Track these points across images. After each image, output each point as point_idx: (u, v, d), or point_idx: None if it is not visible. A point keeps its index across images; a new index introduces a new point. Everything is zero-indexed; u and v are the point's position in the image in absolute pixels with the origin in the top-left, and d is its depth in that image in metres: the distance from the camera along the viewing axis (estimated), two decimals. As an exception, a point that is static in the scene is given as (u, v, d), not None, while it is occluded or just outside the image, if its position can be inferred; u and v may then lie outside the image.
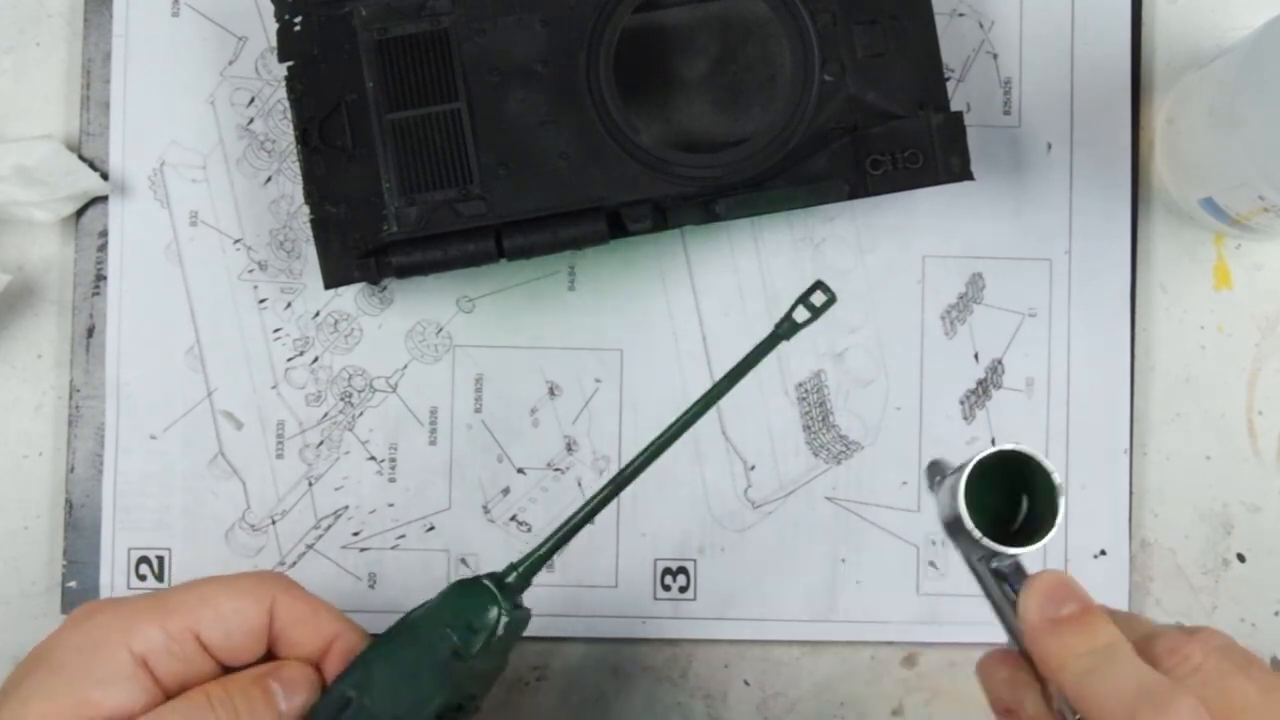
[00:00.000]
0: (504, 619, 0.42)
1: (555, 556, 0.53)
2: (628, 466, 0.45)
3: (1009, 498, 0.42)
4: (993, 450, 0.41)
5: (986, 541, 0.40)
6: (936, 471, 0.43)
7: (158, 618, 0.40)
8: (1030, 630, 0.39)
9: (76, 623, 0.41)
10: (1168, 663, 0.37)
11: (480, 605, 0.42)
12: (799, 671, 0.53)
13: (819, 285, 0.46)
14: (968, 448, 0.53)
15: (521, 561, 0.44)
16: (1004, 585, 0.41)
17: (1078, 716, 0.37)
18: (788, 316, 0.46)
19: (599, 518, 0.53)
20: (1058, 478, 0.40)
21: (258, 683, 0.41)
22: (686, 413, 0.45)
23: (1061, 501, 0.40)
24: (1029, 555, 0.40)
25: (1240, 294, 0.54)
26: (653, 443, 0.45)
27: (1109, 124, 0.54)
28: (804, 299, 0.46)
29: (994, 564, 0.41)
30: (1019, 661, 0.41)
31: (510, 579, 0.43)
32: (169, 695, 0.40)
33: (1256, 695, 0.37)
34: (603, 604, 0.53)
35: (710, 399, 0.46)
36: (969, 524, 0.40)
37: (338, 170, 0.50)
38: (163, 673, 0.40)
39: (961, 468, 0.41)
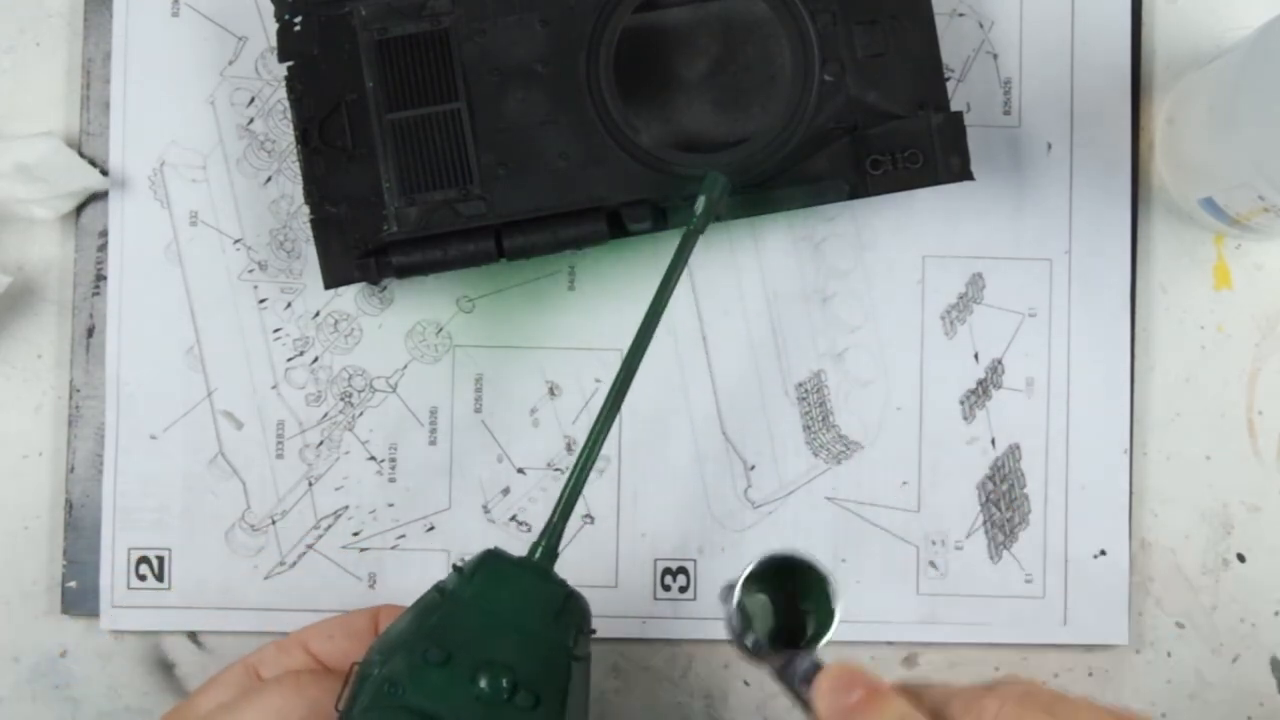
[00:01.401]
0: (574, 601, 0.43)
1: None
2: (606, 402, 0.45)
3: (797, 603, 0.43)
4: (760, 560, 0.42)
5: (764, 649, 0.42)
6: (726, 595, 0.44)
7: None
8: None
9: None
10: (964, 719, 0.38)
11: (553, 595, 0.43)
12: (799, 671, 0.53)
13: (711, 174, 0.47)
14: (967, 448, 0.53)
15: (541, 538, 0.44)
16: (808, 690, 0.41)
17: None
18: (694, 215, 0.46)
19: (598, 518, 0.53)
20: (827, 575, 0.42)
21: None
22: (642, 327, 0.46)
23: (838, 600, 0.42)
24: (824, 654, 0.41)
25: (1240, 294, 0.54)
26: (623, 367, 0.45)
27: (1109, 124, 0.54)
28: (704, 193, 0.46)
29: (796, 671, 0.41)
30: None
31: (538, 556, 0.44)
32: None
33: None
34: (603, 604, 0.53)
35: (656, 310, 0.46)
36: (744, 634, 0.42)
37: (338, 170, 0.50)
38: None
39: (733, 584, 0.42)
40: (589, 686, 0.44)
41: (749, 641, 0.42)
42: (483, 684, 0.40)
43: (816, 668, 0.41)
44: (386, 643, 0.42)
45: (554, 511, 0.44)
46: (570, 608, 0.43)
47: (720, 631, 0.53)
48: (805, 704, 0.41)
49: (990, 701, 0.38)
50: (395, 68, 0.49)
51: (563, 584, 0.43)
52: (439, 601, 0.42)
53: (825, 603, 0.42)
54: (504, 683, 0.40)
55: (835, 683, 0.40)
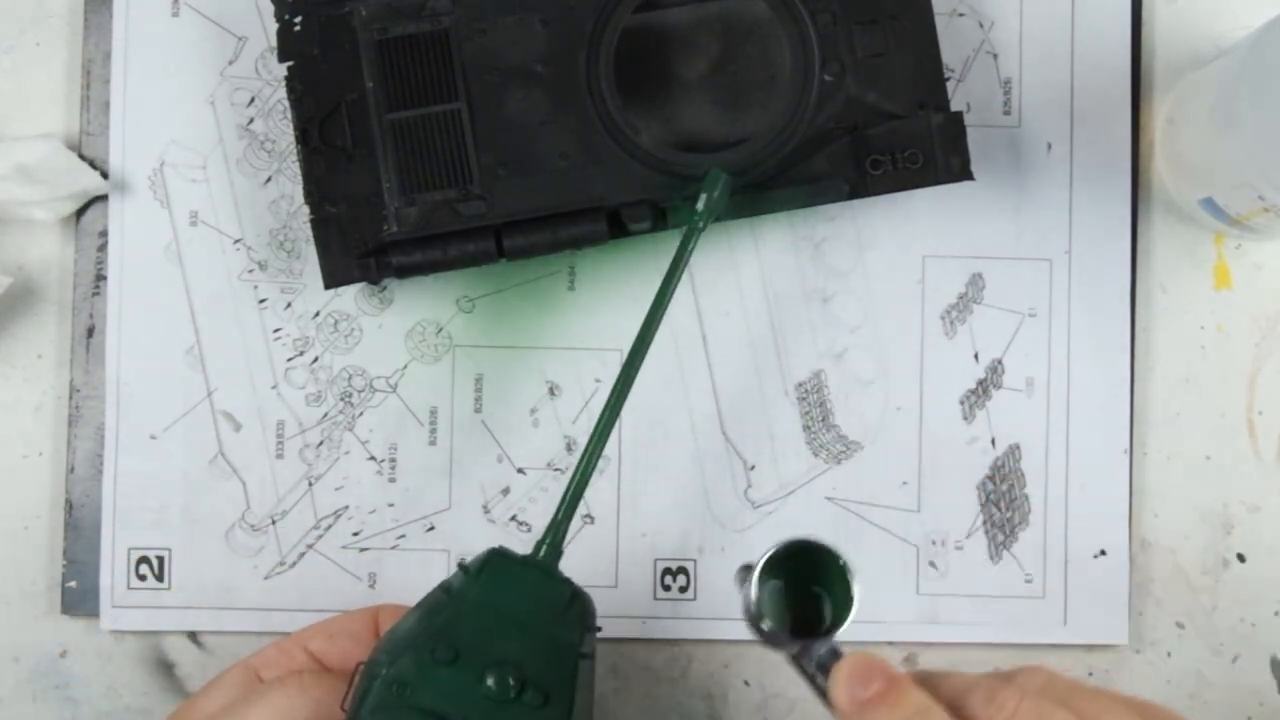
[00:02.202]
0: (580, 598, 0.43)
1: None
2: (612, 395, 0.46)
3: (811, 589, 0.42)
4: (780, 545, 0.42)
5: (781, 635, 0.41)
6: (743, 578, 0.43)
7: None
8: (844, 716, 0.39)
9: None
10: (984, 714, 0.38)
11: (560, 594, 0.43)
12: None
13: (713, 172, 0.47)
14: (967, 448, 0.53)
15: (546, 535, 0.44)
16: (824, 677, 0.41)
17: None
18: (696, 212, 0.47)
19: (598, 518, 0.53)
20: (845, 561, 0.41)
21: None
22: (646, 322, 0.46)
23: (856, 585, 0.41)
24: (841, 641, 0.41)
25: (1240, 294, 0.54)
26: (628, 361, 0.46)
27: (1109, 124, 0.54)
28: (705, 190, 0.47)
29: (808, 655, 0.41)
30: None
31: (542, 554, 0.44)
32: None
33: None
34: (603, 604, 0.53)
35: (658, 310, 0.47)
36: (761, 619, 0.41)
37: (338, 170, 0.50)
38: None
39: (752, 567, 0.42)
40: (594, 684, 0.44)
41: (765, 626, 0.41)
42: (490, 683, 0.40)
43: (834, 655, 0.40)
44: (393, 642, 0.42)
45: (558, 509, 0.44)
46: (576, 605, 0.43)
47: (720, 631, 0.53)
48: (822, 692, 0.41)
49: (1009, 695, 0.38)
50: (395, 68, 0.49)
51: (568, 582, 0.43)
52: (445, 601, 0.42)
53: (844, 589, 0.42)
54: (512, 681, 0.40)
55: (853, 672, 0.39)
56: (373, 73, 0.49)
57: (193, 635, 0.53)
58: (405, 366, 0.53)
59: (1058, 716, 0.37)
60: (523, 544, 0.54)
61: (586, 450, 0.45)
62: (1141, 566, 0.54)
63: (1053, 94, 0.54)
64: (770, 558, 0.42)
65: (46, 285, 0.54)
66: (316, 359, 0.53)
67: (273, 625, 0.52)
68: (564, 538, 0.44)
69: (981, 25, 0.54)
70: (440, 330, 0.53)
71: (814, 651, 0.41)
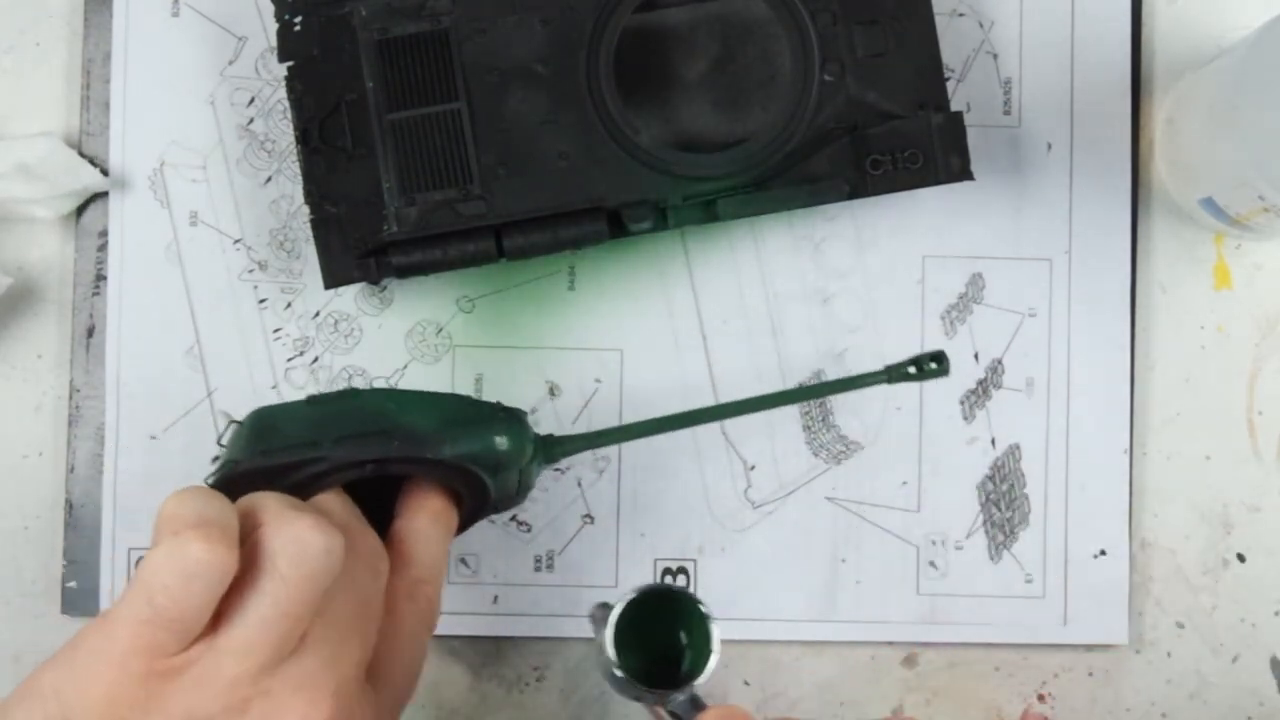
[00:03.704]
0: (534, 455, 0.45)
1: (556, 556, 0.53)
2: (716, 410, 0.49)
3: (673, 635, 0.42)
4: (638, 590, 0.41)
5: (636, 685, 0.40)
6: (601, 617, 0.43)
7: None
8: None
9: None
10: None
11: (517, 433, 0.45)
12: (799, 671, 0.53)
13: (939, 355, 0.49)
14: (967, 448, 0.53)
15: (568, 438, 0.47)
16: None
17: None
18: (901, 365, 0.49)
19: (598, 518, 0.53)
20: (705, 608, 0.41)
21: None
22: (782, 395, 0.50)
23: (714, 631, 0.41)
24: (701, 688, 0.40)
25: (1240, 294, 0.54)
26: (745, 404, 0.49)
27: (1109, 124, 0.54)
28: (921, 359, 0.49)
29: (669, 706, 0.41)
30: None
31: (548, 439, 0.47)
32: None
33: None
34: (603, 604, 0.53)
35: (797, 397, 0.51)
36: (616, 669, 0.40)
37: (338, 170, 0.50)
38: None
39: (608, 611, 0.41)
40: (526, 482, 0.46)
41: (619, 674, 0.41)
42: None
43: (695, 706, 0.40)
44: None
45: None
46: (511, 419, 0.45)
47: (720, 632, 0.53)
48: None
49: None
50: (395, 68, 0.49)
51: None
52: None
53: (703, 638, 0.41)
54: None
55: None
56: (373, 73, 0.49)
57: (193, 635, 0.53)
58: (405, 367, 0.53)
59: None
60: (523, 543, 0.54)
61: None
62: (1141, 566, 0.54)
63: (1053, 94, 0.54)
64: (628, 604, 0.41)
65: (46, 285, 0.54)
66: (316, 359, 0.53)
67: (273, 625, 0.52)
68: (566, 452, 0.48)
69: (981, 25, 0.54)
70: (440, 330, 0.53)
71: (673, 701, 0.40)
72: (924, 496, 0.53)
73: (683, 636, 0.42)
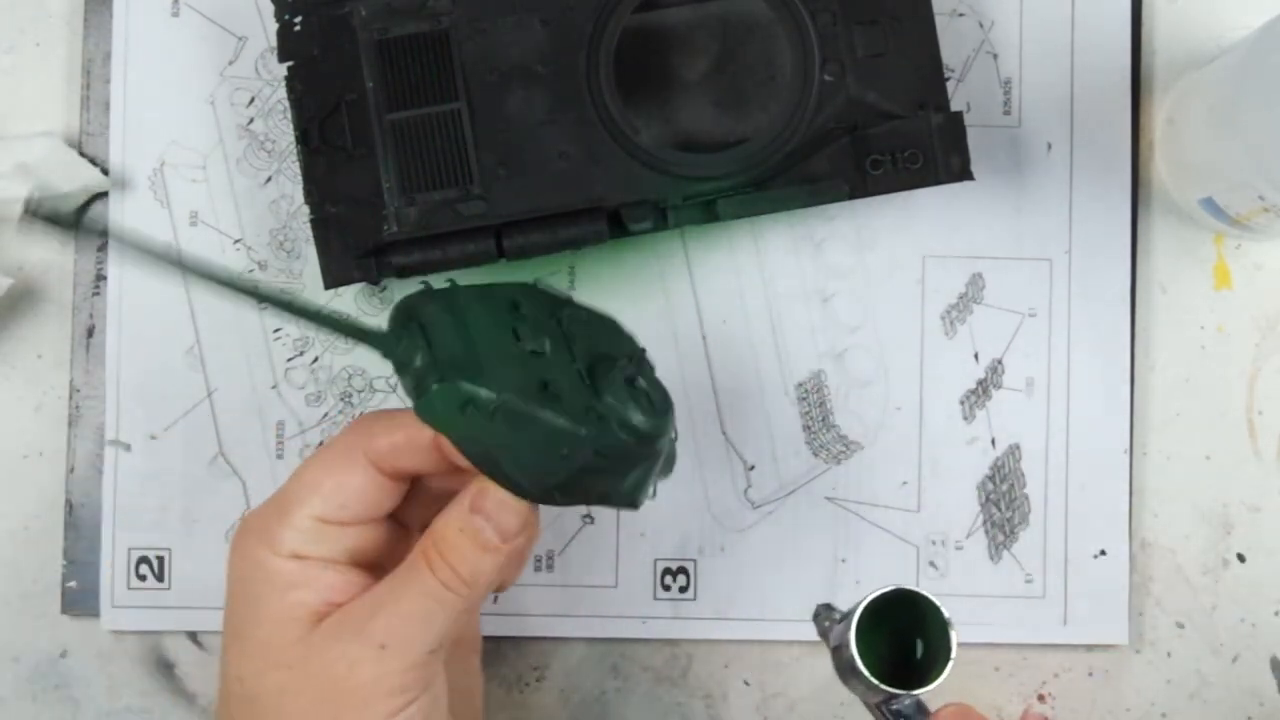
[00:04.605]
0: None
1: (556, 556, 0.53)
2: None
3: (902, 636, 0.42)
4: (881, 591, 0.41)
5: (883, 686, 0.40)
6: (825, 615, 0.43)
7: (283, 520, 0.42)
8: None
9: (232, 556, 0.43)
10: None
11: None
12: (799, 671, 0.53)
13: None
14: (967, 448, 0.53)
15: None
16: None
17: None
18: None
19: (599, 518, 0.53)
20: (947, 613, 0.41)
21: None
22: None
23: (954, 636, 0.41)
24: (928, 693, 0.40)
25: (1240, 294, 0.54)
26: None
27: (1109, 124, 0.54)
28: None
29: (894, 706, 0.41)
30: None
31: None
32: (352, 558, 0.42)
33: None
34: (603, 604, 0.53)
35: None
36: (864, 670, 0.40)
37: (338, 170, 0.50)
38: (323, 554, 0.42)
39: (851, 612, 0.41)
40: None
41: (857, 672, 0.41)
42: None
43: (919, 708, 0.40)
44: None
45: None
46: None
47: (720, 631, 0.53)
48: None
49: None
50: (395, 68, 0.49)
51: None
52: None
53: (941, 644, 0.41)
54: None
55: None
56: (373, 73, 0.49)
57: (193, 635, 0.53)
58: (405, 366, 0.53)
59: None
60: (523, 544, 0.53)
61: None
62: (1141, 566, 0.54)
63: (1053, 94, 0.54)
64: (872, 600, 0.41)
65: (46, 285, 0.54)
66: (316, 359, 0.53)
67: (273, 625, 0.52)
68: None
69: (981, 25, 0.54)
70: (440, 330, 0.53)
71: (899, 702, 0.41)
72: (924, 496, 0.53)
73: (919, 643, 0.42)
